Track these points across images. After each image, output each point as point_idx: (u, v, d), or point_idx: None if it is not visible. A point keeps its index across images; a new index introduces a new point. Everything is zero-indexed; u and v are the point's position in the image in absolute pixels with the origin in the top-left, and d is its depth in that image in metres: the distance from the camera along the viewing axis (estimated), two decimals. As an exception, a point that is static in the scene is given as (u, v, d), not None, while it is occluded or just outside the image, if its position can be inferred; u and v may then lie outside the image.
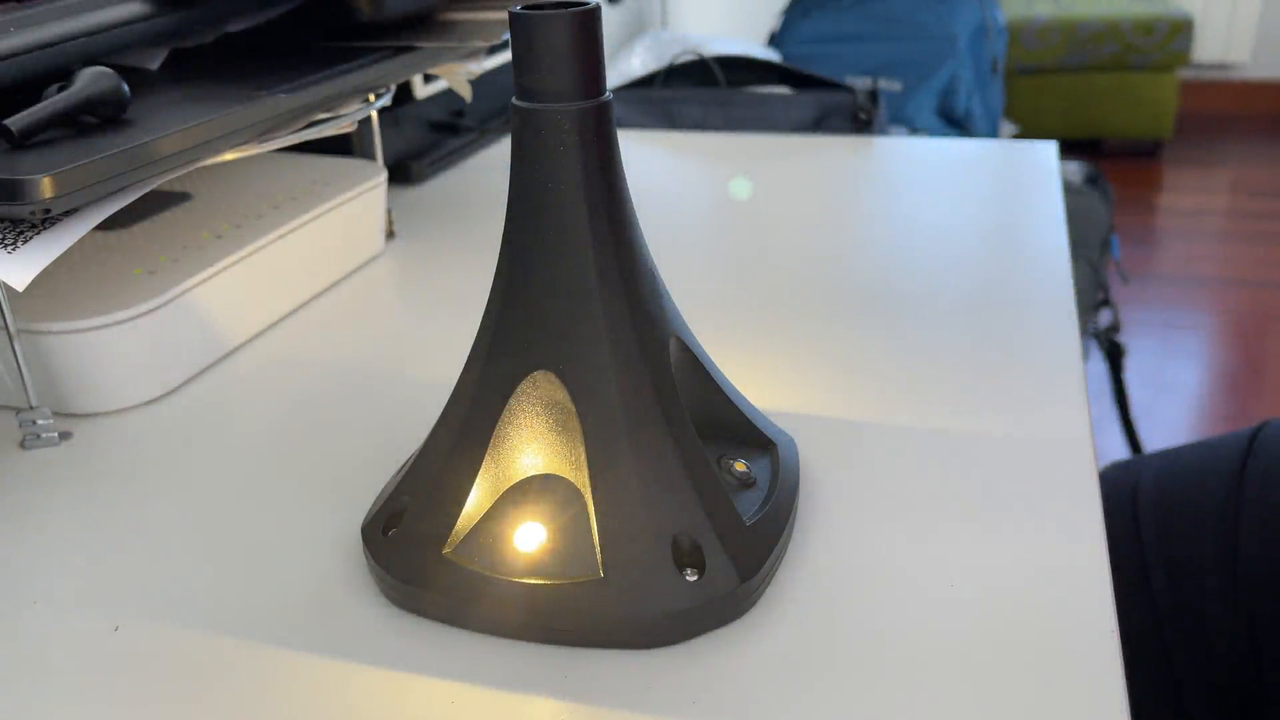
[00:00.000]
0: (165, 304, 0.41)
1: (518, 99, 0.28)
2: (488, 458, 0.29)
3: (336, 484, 0.36)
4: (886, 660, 0.28)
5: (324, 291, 0.52)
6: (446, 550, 0.29)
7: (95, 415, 0.41)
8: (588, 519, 0.28)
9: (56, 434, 0.40)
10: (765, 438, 0.34)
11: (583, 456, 0.29)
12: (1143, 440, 1.53)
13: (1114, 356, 1.45)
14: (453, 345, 0.46)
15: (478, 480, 0.29)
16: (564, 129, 0.27)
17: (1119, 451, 1.58)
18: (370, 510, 0.32)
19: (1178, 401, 1.86)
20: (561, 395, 0.29)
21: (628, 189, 0.30)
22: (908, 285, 0.50)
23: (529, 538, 0.29)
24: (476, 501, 0.29)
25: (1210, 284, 2.31)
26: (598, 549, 0.28)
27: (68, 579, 0.32)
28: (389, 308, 0.51)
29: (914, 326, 0.46)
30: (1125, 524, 0.57)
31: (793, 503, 0.32)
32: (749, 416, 0.34)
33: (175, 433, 0.40)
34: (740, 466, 0.32)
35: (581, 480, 0.29)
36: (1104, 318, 1.44)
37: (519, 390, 0.29)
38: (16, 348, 0.38)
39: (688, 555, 0.28)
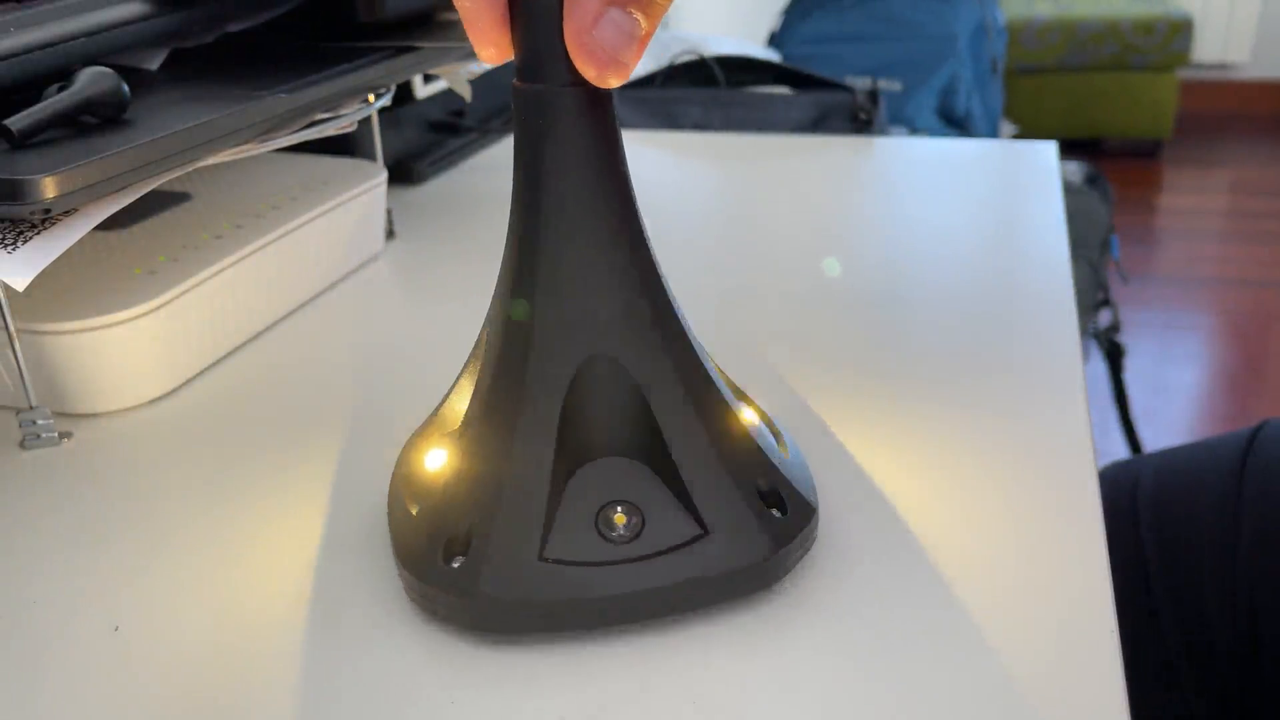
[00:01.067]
0: (165, 304, 0.41)
1: (518, 80, 0.28)
2: (555, 454, 0.29)
3: (337, 484, 0.36)
4: (883, 660, 0.28)
5: (324, 291, 0.52)
6: (544, 555, 0.28)
7: (95, 415, 0.41)
8: (662, 489, 0.29)
9: (56, 434, 0.40)
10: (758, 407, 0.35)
11: (653, 429, 0.29)
12: (1143, 440, 1.53)
13: (1114, 356, 1.45)
14: (453, 345, 0.46)
15: (551, 477, 0.29)
16: (564, 111, 0.27)
17: (1119, 451, 1.58)
18: (405, 540, 0.30)
19: (1178, 401, 1.86)
20: (620, 375, 0.29)
21: (629, 174, 0.30)
22: (907, 285, 0.50)
23: (615, 520, 0.29)
24: (553, 499, 0.29)
25: (1210, 284, 2.31)
26: (697, 508, 0.29)
27: (68, 579, 0.32)
28: (389, 308, 0.51)
29: (913, 326, 0.46)
30: (1125, 524, 0.57)
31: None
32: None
33: (175, 433, 0.40)
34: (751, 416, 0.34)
35: (653, 452, 0.29)
36: (1104, 318, 1.44)
37: (574, 379, 0.29)
38: (16, 348, 0.38)
39: (769, 497, 0.30)
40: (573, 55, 0.26)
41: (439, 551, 0.29)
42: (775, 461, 0.31)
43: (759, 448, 0.30)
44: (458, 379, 0.34)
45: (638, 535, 0.29)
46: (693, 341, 0.31)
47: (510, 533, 0.28)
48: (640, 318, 0.29)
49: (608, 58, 0.25)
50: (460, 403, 0.32)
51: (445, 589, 0.28)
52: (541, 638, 0.29)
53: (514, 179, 0.29)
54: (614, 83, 0.26)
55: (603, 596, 0.28)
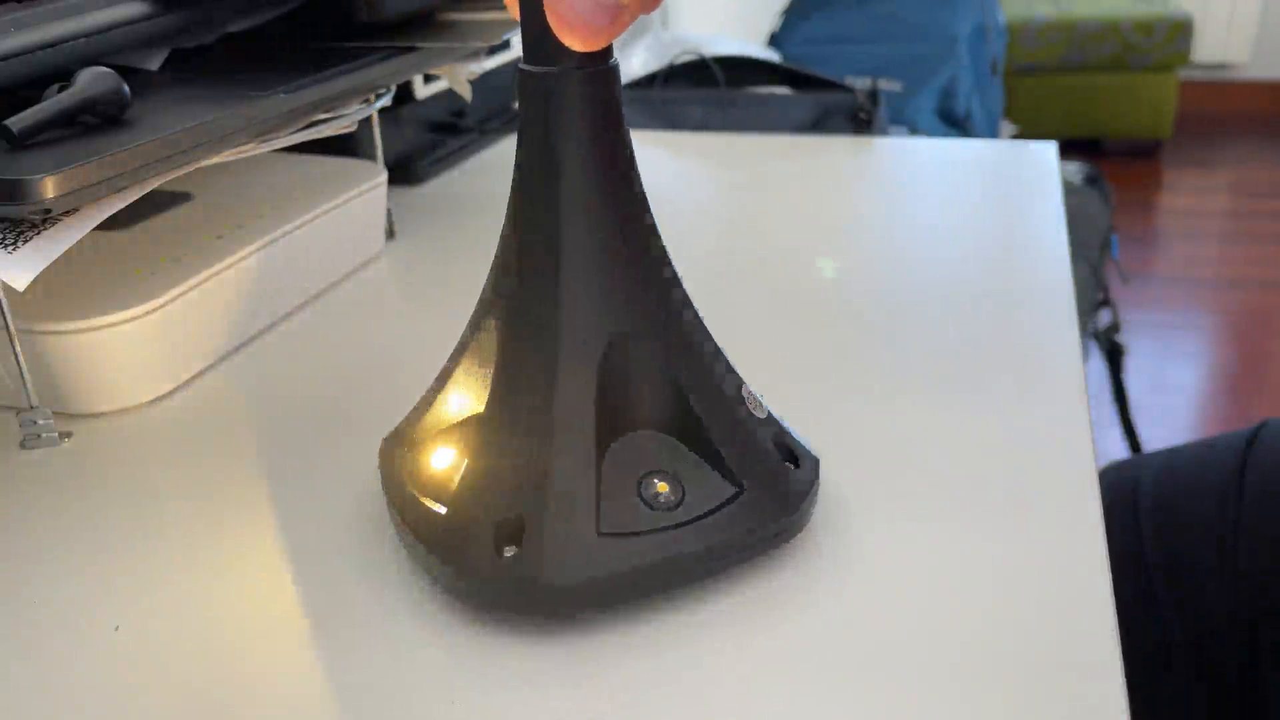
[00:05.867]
0: (165, 304, 0.41)
1: (524, 63, 0.28)
2: (595, 430, 0.29)
3: (337, 484, 0.36)
4: (883, 659, 0.28)
5: (324, 291, 0.52)
6: (602, 530, 0.29)
7: (95, 415, 0.41)
8: (693, 456, 0.30)
9: (56, 434, 0.40)
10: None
11: (680, 400, 0.30)
12: (1143, 440, 1.53)
13: (1114, 356, 1.45)
14: (453, 345, 0.46)
15: (592, 457, 0.29)
16: (569, 93, 0.28)
17: (1119, 451, 1.58)
18: (441, 539, 0.30)
19: (1178, 401, 1.86)
20: (646, 354, 0.30)
21: (634, 157, 0.30)
22: (907, 285, 0.50)
23: (655, 489, 0.30)
24: (596, 477, 0.29)
25: (1210, 284, 2.31)
26: (731, 470, 0.30)
27: (68, 579, 0.32)
28: (389, 308, 0.51)
29: (913, 326, 0.46)
30: (1125, 524, 0.57)
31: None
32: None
33: (175, 433, 0.40)
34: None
35: (680, 421, 0.30)
36: (1104, 318, 1.44)
37: (603, 359, 0.29)
38: (16, 348, 0.38)
39: (785, 451, 0.32)
40: (550, 21, 0.26)
41: (488, 543, 0.28)
42: (781, 422, 0.33)
43: (764, 408, 0.32)
44: (444, 378, 0.33)
45: (680, 502, 0.29)
46: (690, 313, 0.32)
47: (566, 513, 0.28)
48: (654, 295, 0.30)
49: (578, 20, 0.26)
50: (459, 398, 0.32)
51: (504, 579, 0.28)
52: (578, 619, 0.29)
53: (517, 163, 0.29)
54: (594, 47, 0.26)
55: (658, 563, 0.29)
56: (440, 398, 0.33)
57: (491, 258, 0.32)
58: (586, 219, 0.29)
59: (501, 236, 0.31)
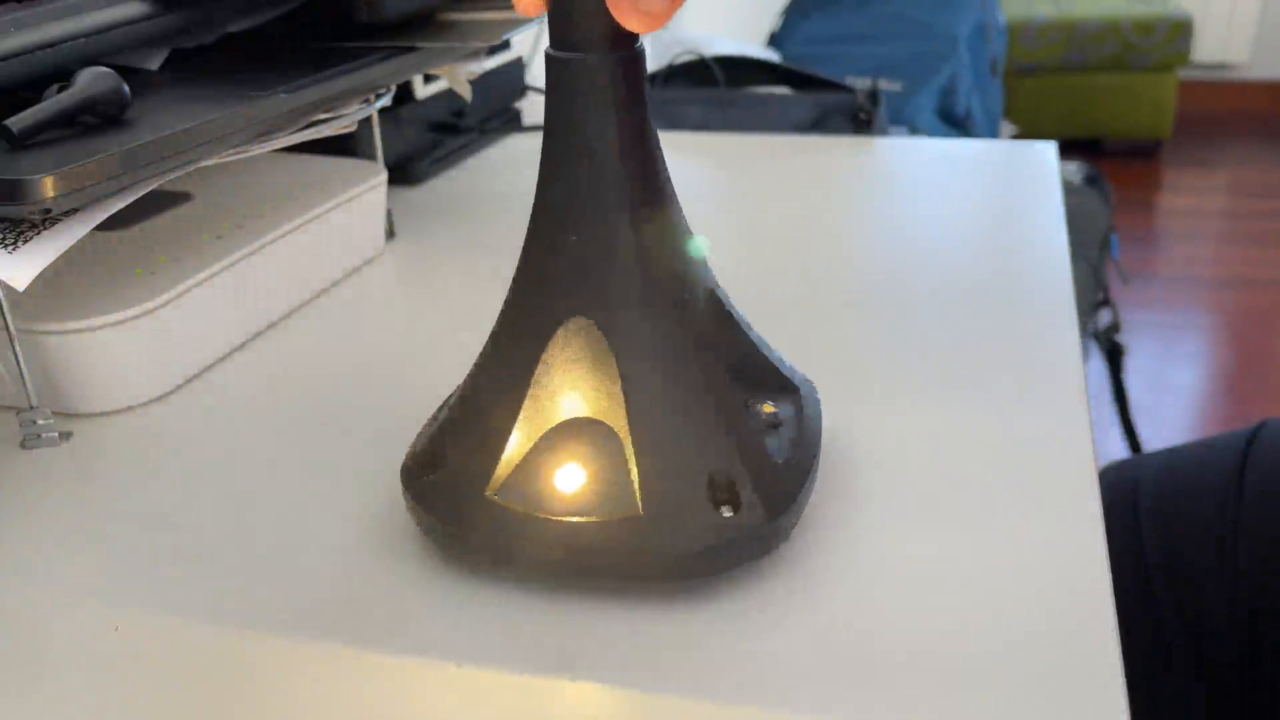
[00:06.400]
0: (165, 304, 0.41)
1: (552, 49, 0.28)
2: (527, 402, 0.30)
3: (336, 484, 0.36)
4: (882, 659, 0.28)
5: (324, 291, 0.52)
6: (489, 492, 0.30)
7: (95, 415, 0.41)
8: (625, 460, 0.29)
9: (56, 434, 0.40)
10: (790, 382, 0.35)
11: (620, 400, 0.29)
12: (1143, 440, 1.53)
13: (1114, 356, 1.45)
14: (453, 345, 0.46)
15: (517, 424, 0.30)
16: (598, 79, 0.28)
17: (1119, 451, 1.58)
18: (409, 453, 0.33)
19: (1178, 401, 1.86)
20: (598, 341, 0.30)
21: (658, 140, 0.30)
22: (907, 285, 0.50)
23: (569, 479, 0.30)
24: (516, 444, 0.30)
25: (1210, 284, 2.31)
26: (637, 488, 0.29)
27: (68, 578, 0.32)
28: (389, 308, 0.51)
29: (913, 326, 0.46)
30: (1125, 524, 0.57)
31: (818, 443, 0.33)
32: (774, 362, 0.35)
33: (175, 433, 0.40)
34: (768, 408, 0.33)
35: (619, 423, 0.29)
36: (1104, 318, 1.44)
37: (556, 336, 0.30)
38: (16, 348, 0.38)
39: (723, 492, 0.29)
40: (609, 4, 0.27)
41: (420, 465, 0.31)
42: (746, 456, 0.30)
43: (728, 439, 0.30)
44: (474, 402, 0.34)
45: (583, 498, 0.29)
46: (696, 323, 0.31)
47: (468, 465, 0.30)
48: (630, 287, 0.30)
49: (630, 6, 0.26)
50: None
51: (417, 500, 0.31)
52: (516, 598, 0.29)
53: (546, 147, 0.30)
54: (654, 28, 0.27)
55: (535, 546, 0.29)
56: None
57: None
58: (592, 202, 0.29)
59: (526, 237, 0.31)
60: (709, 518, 0.29)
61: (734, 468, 0.30)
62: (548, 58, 0.29)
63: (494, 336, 0.32)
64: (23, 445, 0.39)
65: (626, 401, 0.29)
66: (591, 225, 0.29)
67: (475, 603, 0.30)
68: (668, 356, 0.30)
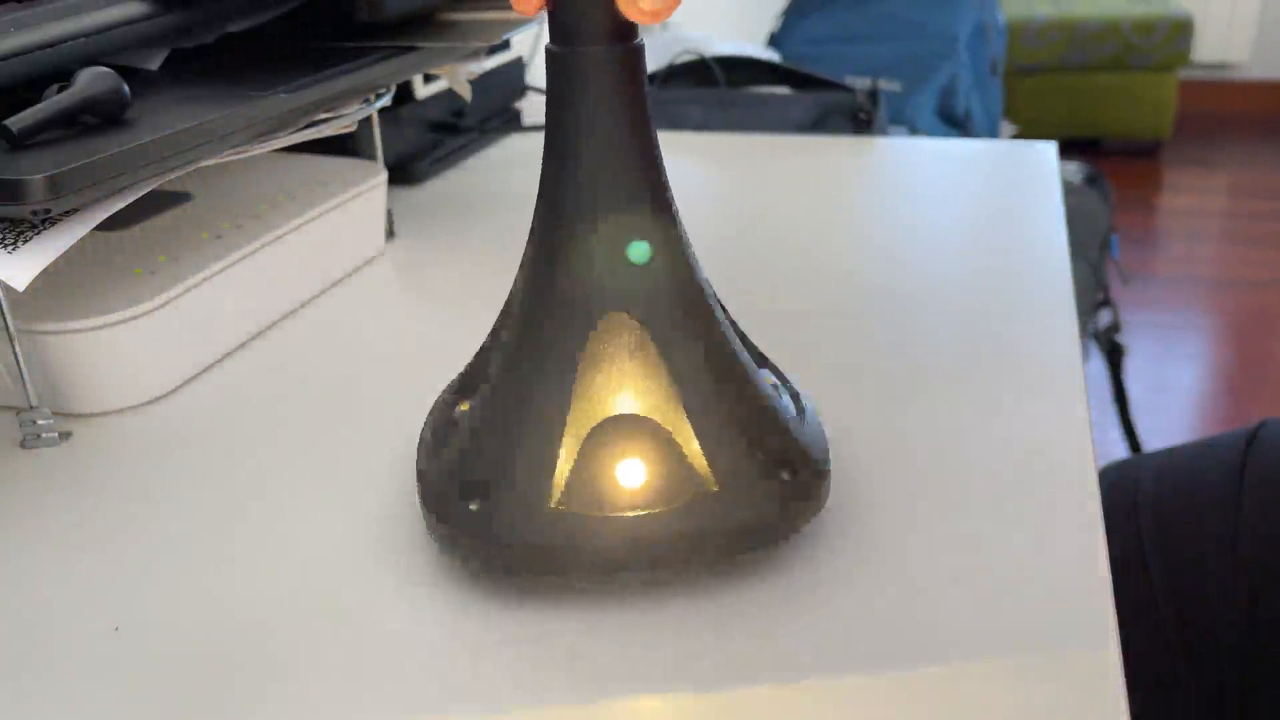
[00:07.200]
0: (165, 304, 0.41)
1: (552, 43, 0.29)
2: (573, 404, 0.30)
3: (337, 484, 0.36)
4: (882, 657, 0.28)
5: (324, 291, 0.52)
6: (554, 504, 0.29)
7: (95, 415, 0.41)
8: (676, 445, 0.30)
9: (56, 434, 0.40)
10: (780, 373, 0.36)
11: (668, 389, 0.30)
12: (1143, 440, 1.53)
13: (1114, 356, 1.45)
14: (453, 345, 0.46)
15: (566, 429, 0.30)
16: (599, 71, 0.28)
17: (1119, 451, 1.58)
18: (429, 485, 0.31)
19: (1178, 401, 1.86)
20: (637, 334, 0.30)
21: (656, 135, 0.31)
22: (907, 285, 0.50)
23: (629, 474, 0.29)
24: (566, 450, 0.30)
25: (1210, 284, 2.31)
26: (706, 467, 0.29)
27: (68, 579, 0.32)
28: (389, 308, 0.51)
29: (913, 326, 0.46)
30: (1125, 523, 0.57)
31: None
32: (763, 355, 0.36)
33: (175, 433, 0.40)
34: (771, 380, 0.34)
35: (668, 409, 0.30)
36: (1104, 318, 1.44)
37: (592, 334, 0.30)
38: (16, 348, 0.38)
39: (778, 459, 0.30)
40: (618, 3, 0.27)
41: (455, 492, 0.30)
42: (788, 421, 0.31)
43: (769, 408, 0.31)
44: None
45: (648, 490, 0.29)
46: (717, 307, 0.31)
47: (524, 480, 0.29)
48: (663, 276, 0.30)
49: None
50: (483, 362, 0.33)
51: (464, 530, 0.29)
52: (556, 600, 0.29)
53: (548, 142, 0.30)
54: (660, 20, 0.27)
55: (613, 546, 0.29)
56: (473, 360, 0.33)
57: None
58: (617, 188, 0.29)
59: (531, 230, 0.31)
60: (772, 485, 0.30)
61: (785, 437, 0.31)
62: (548, 53, 0.29)
63: (516, 342, 0.31)
64: (23, 445, 0.39)
65: (679, 390, 0.30)
66: (607, 218, 0.29)
67: (477, 602, 0.30)
68: (707, 341, 0.31)
